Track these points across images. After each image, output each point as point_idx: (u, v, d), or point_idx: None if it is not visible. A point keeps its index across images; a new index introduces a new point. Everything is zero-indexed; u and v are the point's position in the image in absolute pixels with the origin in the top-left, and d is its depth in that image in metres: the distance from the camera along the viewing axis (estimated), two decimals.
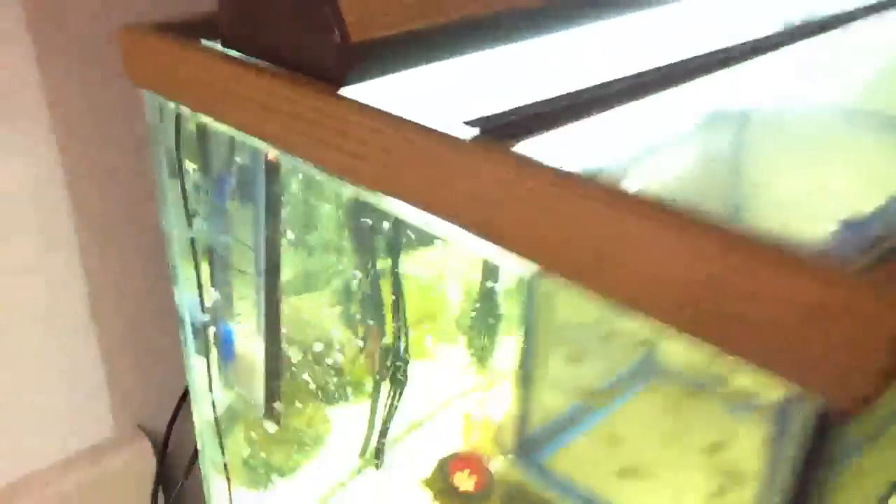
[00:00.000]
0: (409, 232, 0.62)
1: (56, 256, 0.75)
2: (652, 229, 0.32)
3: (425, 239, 0.62)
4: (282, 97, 0.48)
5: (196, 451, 0.81)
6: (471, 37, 0.50)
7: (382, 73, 0.49)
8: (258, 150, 0.58)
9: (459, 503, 0.66)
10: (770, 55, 0.55)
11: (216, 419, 0.78)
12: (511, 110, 0.45)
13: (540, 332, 0.46)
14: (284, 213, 0.61)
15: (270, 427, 0.75)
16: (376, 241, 0.64)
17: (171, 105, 0.60)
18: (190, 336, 0.74)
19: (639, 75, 0.49)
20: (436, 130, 0.41)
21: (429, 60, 0.49)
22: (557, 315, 0.45)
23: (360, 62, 0.47)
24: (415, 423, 0.75)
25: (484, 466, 0.68)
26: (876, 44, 0.66)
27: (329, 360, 0.71)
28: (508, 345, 0.64)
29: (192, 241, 0.68)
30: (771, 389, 0.31)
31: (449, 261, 0.66)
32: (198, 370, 0.76)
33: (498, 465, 0.66)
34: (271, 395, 0.71)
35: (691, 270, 0.32)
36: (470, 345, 0.68)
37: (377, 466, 0.74)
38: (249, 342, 0.69)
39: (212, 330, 0.72)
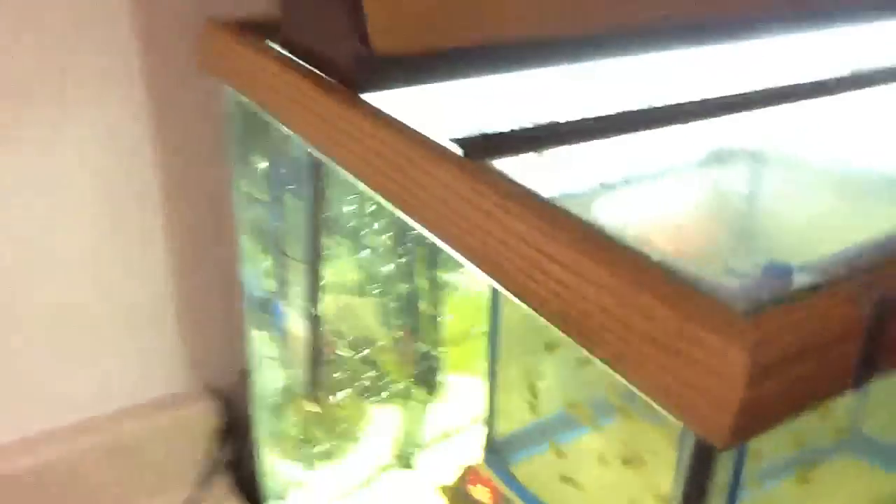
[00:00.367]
0: None
1: (140, 221, 0.81)
2: (563, 249, 0.33)
3: None
4: (307, 96, 0.51)
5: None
6: (494, 60, 0.51)
7: (406, 83, 0.50)
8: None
9: None
10: (784, 105, 0.52)
11: (269, 393, 0.83)
12: (502, 132, 0.45)
13: (503, 340, 0.46)
14: (330, 209, 0.63)
15: (313, 410, 0.78)
16: (417, 249, 0.65)
17: (237, 96, 0.65)
18: (250, 311, 0.79)
19: (651, 110, 0.48)
20: (420, 140, 0.42)
21: (450, 78, 0.50)
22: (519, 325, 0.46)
23: (381, 73, 0.49)
24: (445, 432, 0.76)
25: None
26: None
27: (368, 357, 0.73)
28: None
29: (255, 223, 0.72)
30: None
31: None
32: (256, 343, 0.81)
33: None
34: (314, 379, 0.74)
35: (596, 294, 0.32)
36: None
37: (406, 467, 0.76)
38: (298, 325, 0.73)
39: (270, 308, 0.76)
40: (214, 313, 0.90)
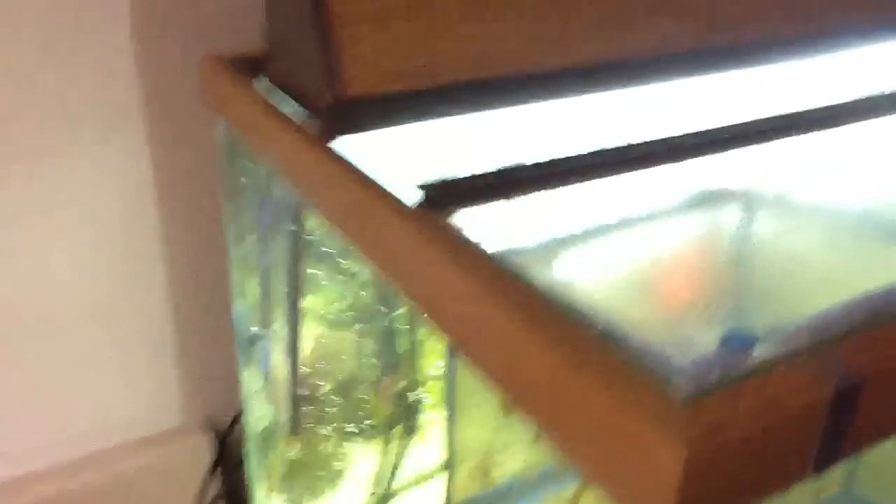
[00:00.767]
0: None
1: (140, 251, 0.81)
2: (503, 314, 0.31)
3: None
4: (282, 139, 0.50)
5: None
6: (474, 97, 0.49)
7: (379, 125, 0.49)
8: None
9: None
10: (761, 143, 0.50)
11: (260, 429, 0.81)
12: (470, 177, 0.43)
13: (460, 400, 0.44)
14: (309, 247, 0.62)
15: (294, 449, 0.77)
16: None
17: (230, 131, 0.64)
18: (241, 347, 0.78)
19: (629, 148, 0.46)
20: (379, 191, 0.41)
21: (429, 117, 0.49)
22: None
23: (356, 115, 0.48)
24: (423, 474, 0.74)
25: None
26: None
27: (347, 397, 0.72)
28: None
29: (245, 259, 0.71)
30: None
31: None
32: (248, 380, 0.80)
33: None
34: (295, 417, 0.73)
35: (534, 368, 0.30)
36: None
37: None
38: (280, 363, 0.71)
39: (258, 345, 0.75)
40: (214, 348, 0.90)
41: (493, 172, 0.44)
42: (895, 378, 0.30)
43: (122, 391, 0.86)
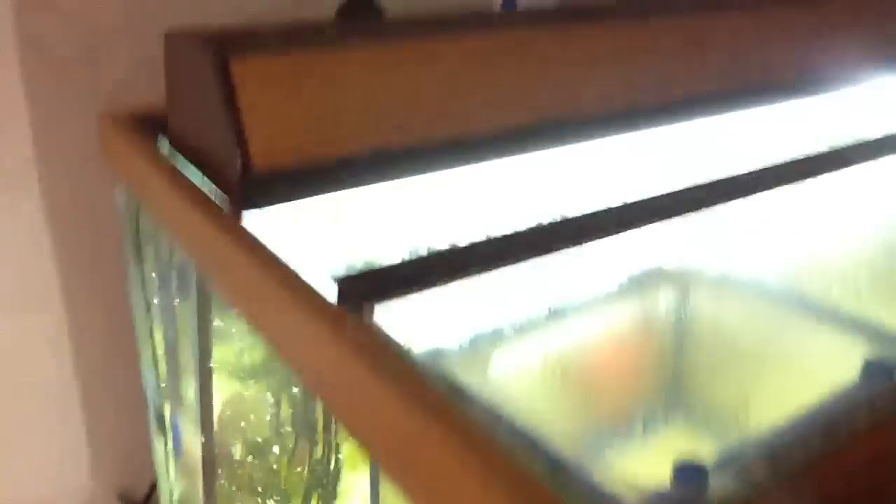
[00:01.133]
0: None
1: (44, 320, 0.76)
2: (422, 431, 0.28)
3: None
4: (184, 211, 0.47)
5: None
6: (384, 167, 0.47)
7: (287, 198, 0.47)
8: None
9: None
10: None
11: (175, 500, 0.77)
12: (386, 267, 0.41)
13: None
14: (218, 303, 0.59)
15: None
16: None
17: (130, 192, 0.60)
18: (151, 417, 0.73)
19: (562, 224, 0.45)
20: (291, 282, 0.38)
21: (337, 188, 0.47)
22: None
23: (262, 189, 0.45)
24: None
25: None
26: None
27: (262, 465, 0.68)
28: None
29: (151, 324, 0.67)
30: None
31: None
32: (159, 449, 0.75)
33: None
34: (209, 489, 0.68)
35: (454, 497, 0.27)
36: None
37: None
38: (192, 431, 0.67)
39: (167, 416, 0.71)
40: (125, 416, 0.84)
41: (409, 262, 0.42)
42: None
43: (29, 461, 0.80)
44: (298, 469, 0.65)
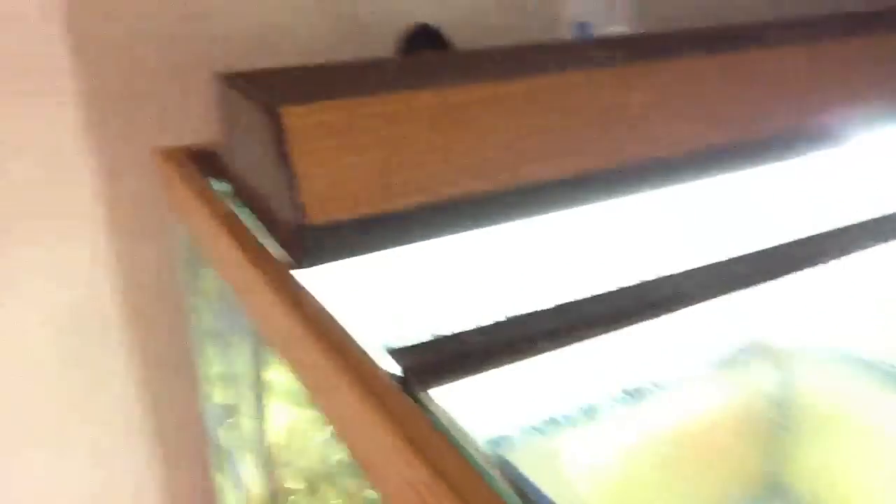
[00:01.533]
0: None
1: (106, 345, 0.76)
2: None
3: None
4: (237, 259, 0.46)
5: None
6: (440, 221, 0.45)
7: (343, 255, 0.45)
8: None
9: None
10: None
11: None
12: (448, 344, 0.38)
13: None
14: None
15: None
16: None
17: (185, 227, 0.60)
18: (212, 449, 0.73)
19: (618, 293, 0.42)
20: (349, 360, 0.36)
21: (393, 244, 0.45)
22: None
23: (315, 247, 0.44)
24: None
25: None
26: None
27: (318, 490, 0.67)
28: None
29: (210, 357, 0.67)
30: None
31: None
32: (222, 485, 0.75)
33: None
34: None
35: None
36: None
37: None
38: (251, 466, 0.67)
39: (229, 452, 0.71)
40: (188, 451, 0.84)
41: (471, 332, 0.39)
42: None
43: (94, 491, 0.81)
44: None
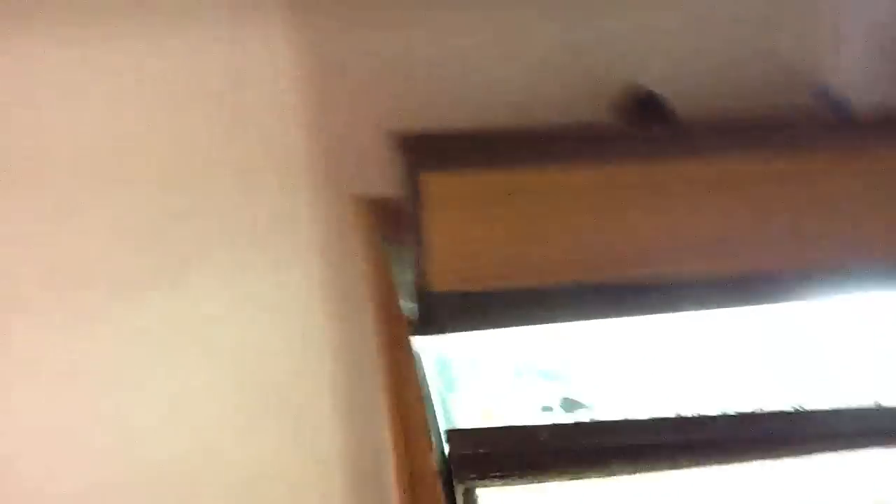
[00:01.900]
0: None
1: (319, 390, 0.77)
2: None
3: None
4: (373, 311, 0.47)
5: None
6: (551, 306, 0.43)
7: (463, 327, 0.44)
8: None
9: None
10: None
11: None
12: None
13: None
14: None
15: None
16: None
17: None
18: None
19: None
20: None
21: (505, 323, 0.43)
22: None
23: (437, 312, 0.43)
24: None
25: None
26: None
27: None
28: None
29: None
30: None
31: None
32: None
33: None
34: None
35: None
36: None
37: None
38: None
39: None
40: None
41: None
42: None
43: None
44: None
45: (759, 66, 0.70)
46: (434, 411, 0.38)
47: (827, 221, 0.44)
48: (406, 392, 0.39)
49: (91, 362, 0.70)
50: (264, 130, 0.67)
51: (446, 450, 0.34)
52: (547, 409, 0.40)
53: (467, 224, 0.44)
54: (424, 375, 0.41)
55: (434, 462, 0.34)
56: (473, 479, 0.32)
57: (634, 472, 0.32)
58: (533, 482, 0.32)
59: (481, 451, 0.34)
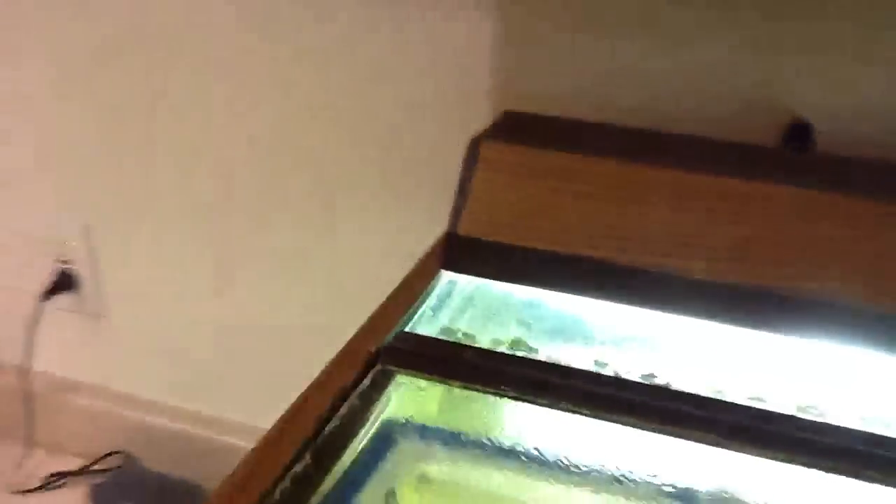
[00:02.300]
0: None
1: None
2: None
3: None
4: None
5: None
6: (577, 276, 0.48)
7: (479, 272, 0.51)
8: None
9: None
10: None
11: None
12: None
13: None
14: None
15: None
16: None
17: None
18: None
19: None
20: None
21: (520, 280, 0.49)
22: None
23: (460, 254, 0.51)
24: None
25: None
26: None
27: None
28: None
29: None
30: None
31: None
32: None
33: None
34: None
35: None
36: None
37: None
38: None
39: None
40: None
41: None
42: None
43: None
44: None
45: None
46: (409, 322, 0.46)
47: None
48: (400, 298, 0.47)
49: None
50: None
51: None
52: (497, 341, 0.46)
53: (506, 188, 0.51)
54: (427, 296, 0.48)
55: (372, 348, 0.42)
56: (389, 367, 0.40)
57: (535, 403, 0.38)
58: (436, 382, 0.40)
59: (411, 349, 0.42)
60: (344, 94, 0.71)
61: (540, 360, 0.42)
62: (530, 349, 0.45)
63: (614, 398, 0.39)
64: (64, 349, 0.93)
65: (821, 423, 0.39)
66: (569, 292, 0.49)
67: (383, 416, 0.40)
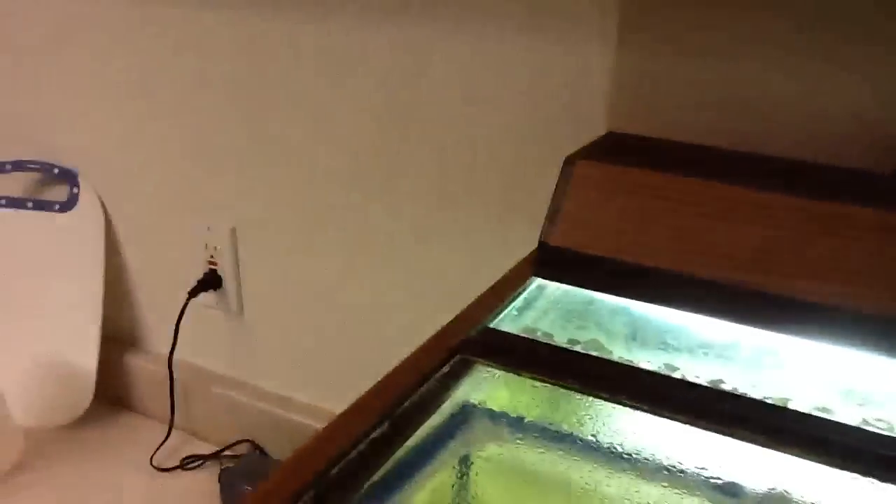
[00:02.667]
0: None
1: None
2: None
3: None
4: None
5: None
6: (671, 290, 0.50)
7: (572, 282, 0.54)
8: None
9: None
10: None
11: None
12: None
13: None
14: None
15: None
16: None
17: None
18: None
19: None
20: None
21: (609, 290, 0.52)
22: None
23: (551, 262, 0.54)
24: None
25: None
26: None
27: None
28: None
29: None
30: None
31: None
32: None
33: None
34: None
35: None
36: None
37: None
38: None
39: None
40: None
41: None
42: None
43: None
44: None
45: None
46: (494, 319, 0.50)
47: None
48: (489, 299, 0.51)
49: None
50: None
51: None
52: (573, 341, 0.48)
53: (596, 203, 0.54)
54: (515, 298, 0.52)
55: (452, 341, 0.46)
56: (468, 356, 0.45)
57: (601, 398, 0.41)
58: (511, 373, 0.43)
59: (490, 342, 0.45)
60: (463, 116, 0.76)
61: (607, 359, 0.45)
62: (604, 350, 0.48)
63: (673, 396, 0.41)
64: (206, 342, 1.03)
65: (886, 435, 0.39)
66: (650, 302, 0.51)
67: (458, 399, 0.44)
